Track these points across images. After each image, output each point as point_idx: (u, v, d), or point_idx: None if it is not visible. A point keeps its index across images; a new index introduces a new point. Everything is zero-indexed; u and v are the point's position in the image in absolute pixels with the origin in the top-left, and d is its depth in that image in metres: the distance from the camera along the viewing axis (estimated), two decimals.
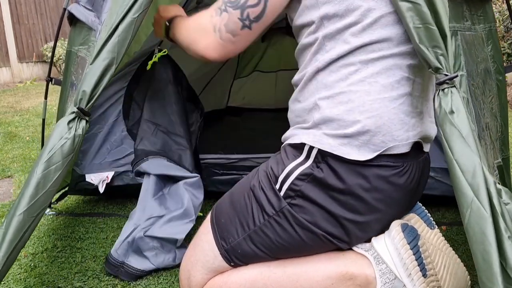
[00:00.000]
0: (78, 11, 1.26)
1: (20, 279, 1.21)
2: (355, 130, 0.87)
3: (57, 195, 1.72)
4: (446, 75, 0.81)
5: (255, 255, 0.97)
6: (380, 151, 0.87)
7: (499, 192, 0.76)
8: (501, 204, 0.75)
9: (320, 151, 0.89)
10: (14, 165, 2.25)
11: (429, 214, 1.02)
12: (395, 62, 0.89)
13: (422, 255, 0.92)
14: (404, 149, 0.89)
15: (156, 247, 1.24)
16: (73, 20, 1.34)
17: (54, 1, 6.78)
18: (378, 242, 0.95)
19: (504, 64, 1.33)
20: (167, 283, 1.18)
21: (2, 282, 1.18)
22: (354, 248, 0.97)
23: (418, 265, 0.91)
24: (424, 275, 0.91)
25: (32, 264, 1.28)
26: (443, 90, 0.82)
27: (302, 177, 0.91)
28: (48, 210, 1.65)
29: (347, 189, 0.89)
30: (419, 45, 0.82)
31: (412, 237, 0.93)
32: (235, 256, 0.98)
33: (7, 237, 0.89)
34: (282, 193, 0.92)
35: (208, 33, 0.96)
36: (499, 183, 0.79)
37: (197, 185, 1.41)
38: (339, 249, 0.97)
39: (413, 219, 0.99)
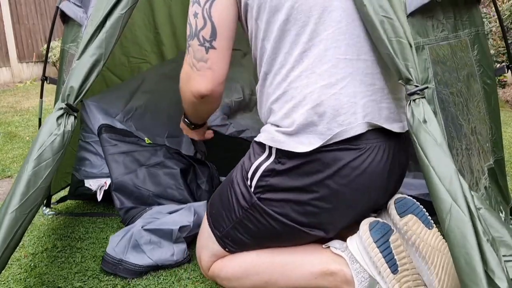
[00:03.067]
0: (69, 8, 1.26)
1: (20, 279, 1.21)
2: (300, 123, 0.91)
3: (57, 197, 1.73)
4: (417, 86, 0.85)
5: (243, 242, 1.05)
6: (328, 139, 0.90)
7: (473, 197, 0.79)
8: (477, 208, 0.77)
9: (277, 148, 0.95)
10: (14, 165, 2.25)
11: (427, 213, 1.02)
12: (326, 47, 0.91)
13: (393, 251, 0.94)
14: (356, 131, 0.91)
15: (153, 241, 1.25)
16: (65, 18, 1.33)
17: (54, 1, 6.77)
18: (351, 242, 0.99)
19: (503, 65, 1.33)
20: (167, 283, 1.18)
21: (2, 282, 1.19)
22: (332, 248, 1.01)
23: (387, 263, 0.93)
24: (394, 272, 0.93)
25: (32, 264, 1.28)
26: (414, 100, 0.85)
27: (266, 173, 0.96)
28: (48, 210, 1.65)
29: (309, 178, 0.93)
30: (394, 56, 0.85)
31: (381, 234, 0.95)
32: (228, 243, 1.07)
33: None
34: (252, 189, 0.99)
35: (189, 74, 1.03)
36: (471, 189, 0.82)
37: (202, 208, 1.40)
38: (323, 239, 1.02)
39: (411, 221, 0.99)
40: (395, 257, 0.94)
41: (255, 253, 1.06)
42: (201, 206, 1.40)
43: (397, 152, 0.98)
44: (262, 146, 0.99)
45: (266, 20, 0.94)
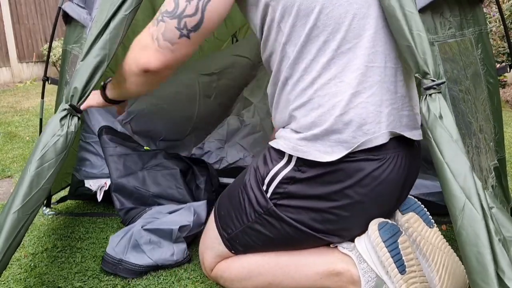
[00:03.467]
0: (72, 9, 1.26)
1: (20, 279, 1.21)
2: (324, 129, 0.89)
3: (57, 197, 1.73)
4: (433, 80, 0.84)
5: (251, 246, 1.04)
6: (353, 148, 0.89)
7: (486, 196, 0.78)
8: (489, 207, 0.76)
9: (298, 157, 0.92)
10: (14, 165, 2.25)
11: (428, 213, 1.03)
12: (356, 55, 0.90)
13: (401, 252, 0.94)
14: (380, 140, 0.90)
15: (153, 241, 1.25)
16: (68, 18, 1.34)
17: (54, 1, 6.77)
18: (360, 242, 0.99)
19: (504, 64, 1.33)
20: (167, 283, 1.18)
21: (2, 282, 1.19)
22: (340, 248, 1.01)
23: (395, 263, 0.93)
24: (402, 272, 0.93)
25: (32, 264, 1.28)
26: (430, 95, 0.84)
27: (285, 180, 0.95)
28: (48, 210, 1.65)
29: (330, 187, 0.91)
30: (414, 48, 0.84)
31: (390, 234, 0.95)
32: (235, 246, 1.06)
33: (2, 235, 0.90)
34: (268, 195, 0.97)
35: (147, 45, 0.95)
36: (484, 187, 0.81)
37: (202, 208, 1.41)
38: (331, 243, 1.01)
39: (412, 218, 1.00)
40: (403, 257, 0.94)
41: (260, 254, 1.05)
42: (201, 206, 1.40)
43: (413, 160, 0.98)
44: (280, 152, 0.96)
45: (292, 24, 0.91)
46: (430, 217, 1.03)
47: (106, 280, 1.19)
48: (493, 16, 3.58)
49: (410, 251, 0.96)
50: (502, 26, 3.67)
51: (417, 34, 0.85)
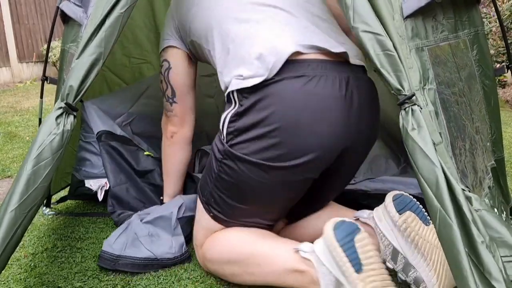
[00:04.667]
0: (69, 8, 1.26)
1: (20, 279, 1.21)
2: (247, 75, 1.02)
3: (57, 197, 1.73)
4: (405, 95, 0.85)
5: (224, 201, 1.11)
6: (271, 68, 1.00)
7: (469, 200, 0.79)
8: (472, 211, 0.77)
9: (237, 91, 1.04)
10: (14, 165, 2.25)
11: (424, 210, 1.03)
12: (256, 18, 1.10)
13: (357, 251, 0.92)
14: (289, 50, 1.00)
15: (151, 234, 1.27)
16: (65, 18, 1.34)
17: (54, 1, 6.77)
18: (318, 244, 0.98)
19: (503, 65, 1.33)
20: (167, 283, 1.18)
21: (2, 282, 1.19)
22: (300, 253, 1.00)
23: (350, 261, 0.91)
24: (358, 271, 0.91)
25: (32, 264, 1.28)
26: (404, 109, 0.86)
27: (232, 118, 1.05)
28: (48, 210, 1.65)
29: (266, 111, 1.00)
30: (381, 70, 0.87)
31: (345, 233, 0.94)
32: (211, 206, 1.14)
33: None
34: (224, 140, 1.07)
35: (165, 120, 1.41)
36: (469, 191, 0.82)
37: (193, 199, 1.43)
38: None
39: (409, 218, 1.00)
40: (359, 256, 0.92)
41: (239, 240, 1.11)
42: (190, 197, 1.42)
43: (363, 90, 1.05)
44: (228, 100, 1.08)
45: (207, 42, 1.18)
46: (426, 214, 1.02)
47: (106, 280, 1.19)
48: (493, 16, 3.58)
49: (369, 249, 0.94)
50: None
51: (385, 54, 0.87)
